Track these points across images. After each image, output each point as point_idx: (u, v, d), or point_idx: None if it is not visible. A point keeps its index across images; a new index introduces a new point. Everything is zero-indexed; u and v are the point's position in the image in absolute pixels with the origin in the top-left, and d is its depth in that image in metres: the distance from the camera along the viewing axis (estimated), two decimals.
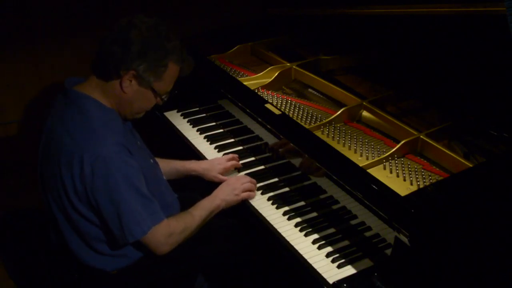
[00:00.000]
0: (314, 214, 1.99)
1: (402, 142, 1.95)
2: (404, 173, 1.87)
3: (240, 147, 2.40)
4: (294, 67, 2.52)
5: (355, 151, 2.01)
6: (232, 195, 2.03)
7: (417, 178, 1.85)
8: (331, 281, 1.71)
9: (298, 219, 1.97)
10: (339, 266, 1.76)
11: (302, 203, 2.05)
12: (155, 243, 1.77)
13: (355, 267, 1.75)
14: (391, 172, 1.88)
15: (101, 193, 1.69)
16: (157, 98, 1.84)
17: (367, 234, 1.86)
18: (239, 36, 2.87)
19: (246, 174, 2.21)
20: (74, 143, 1.70)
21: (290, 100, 2.33)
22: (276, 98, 2.35)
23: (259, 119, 2.21)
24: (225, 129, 2.53)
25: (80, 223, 1.78)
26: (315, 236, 1.89)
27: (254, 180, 2.12)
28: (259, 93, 2.38)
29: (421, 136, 1.97)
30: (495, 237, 1.67)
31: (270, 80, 2.45)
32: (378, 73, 2.48)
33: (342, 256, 1.79)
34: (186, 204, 2.04)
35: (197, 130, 2.53)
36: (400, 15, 2.27)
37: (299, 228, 1.93)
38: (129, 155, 1.74)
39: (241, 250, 2.08)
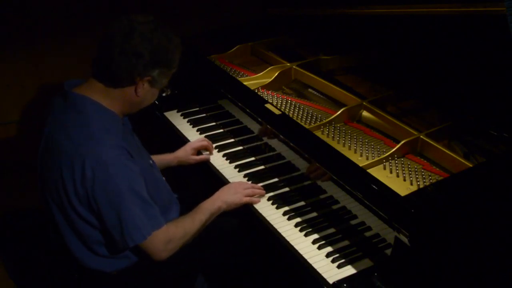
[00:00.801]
0: (314, 214, 1.99)
1: (402, 142, 1.95)
2: (404, 173, 1.87)
3: (240, 147, 2.40)
4: (294, 67, 2.52)
5: (355, 151, 2.01)
6: (234, 198, 2.02)
7: (417, 178, 1.85)
8: (331, 281, 1.71)
9: (298, 219, 1.97)
10: (339, 266, 1.76)
11: (302, 203, 2.05)
12: (153, 249, 1.77)
13: (355, 267, 1.75)
14: (391, 172, 1.88)
15: (102, 197, 1.68)
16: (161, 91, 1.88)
17: (367, 234, 1.86)
18: (239, 36, 2.87)
19: (246, 174, 2.21)
20: (74, 147, 1.69)
21: (290, 100, 2.33)
22: (276, 98, 2.35)
23: (259, 119, 2.21)
24: (225, 129, 2.53)
25: (80, 225, 1.78)
26: (315, 236, 1.89)
27: (259, 186, 2.11)
28: (259, 93, 2.38)
29: (421, 136, 1.97)
30: (495, 237, 1.67)
31: (270, 80, 2.45)
32: (378, 73, 2.48)
33: (342, 256, 1.79)
34: (186, 204, 2.04)
35: (197, 130, 2.53)
36: (400, 15, 2.27)
37: (299, 228, 1.93)
38: (130, 158, 1.74)
39: (241, 250, 2.08)
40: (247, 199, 2.04)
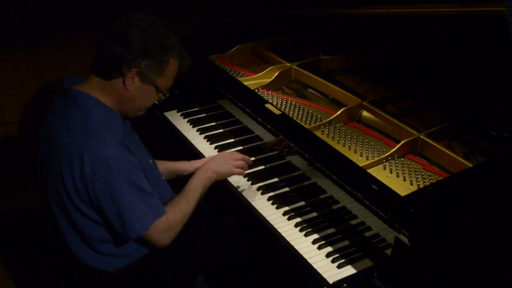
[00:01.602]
0: (314, 214, 1.99)
1: (402, 142, 1.95)
2: (404, 173, 1.87)
3: (240, 147, 2.40)
4: (294, 67, 2.52)
5: (355, 151, 2.01)
6: (225, 168, 2.03)
7: (417, 178, 1.85)
8: (331, 281, 1.71)
9: (298, 219, 1.97)
10: (339, 266, 1.76)
11: (302, 203, 2.05)
12: (156, 238, 1.78)
13: (355, 267, 1.75)
14: (391, 172, 1.88)
15: (102, 191, 1.69)
16: (158, 94, 1.85)
17: (367, 234, 1.86)
18: (239, 36, 2.87)
19: (246, 174, 2.21)
20: (74, 143, 1.70)
21: (290, 100, 2.33)
22: (276, 98, 2.35)
23: (259, 119, 2.21)
24: (225, 129, 2.53)
25: (81, 222, 1.78)
26: (315, 236, 1.89)
27: (247, 158, 2.13)
28: (259, 93, 2.38)
29: (421, 136, 1.97)
30: (495, 237, 1.67)
31: (270, 80, 2.45)
32: (378, 73, 2.48)
33: (342, 256, 1.79)
34: None
35: (197, 130, 2.53)
36: (400, 15, 2.27)
37: (299, 228, 1.93)
38: (129, 152, 1.74)
39: (241, 250, 2.08)
40: (237, 170, 2.06)
